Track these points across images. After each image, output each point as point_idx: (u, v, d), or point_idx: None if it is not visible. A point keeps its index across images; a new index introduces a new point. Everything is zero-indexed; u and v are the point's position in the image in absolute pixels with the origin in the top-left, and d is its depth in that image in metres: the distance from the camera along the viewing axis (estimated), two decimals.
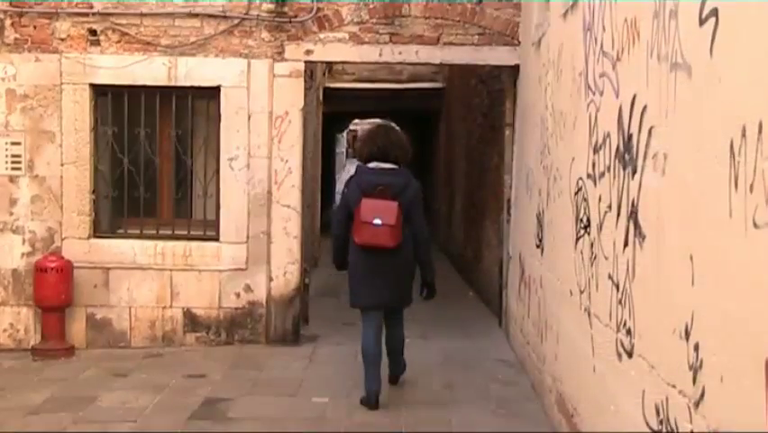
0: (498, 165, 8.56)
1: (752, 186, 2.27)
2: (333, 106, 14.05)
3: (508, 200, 7.69)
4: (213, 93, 7.29)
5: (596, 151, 4.29)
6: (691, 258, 2.76)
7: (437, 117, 15.63)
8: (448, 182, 13.63)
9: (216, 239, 7.35)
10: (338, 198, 8.82)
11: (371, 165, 5.84)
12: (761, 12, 2.27)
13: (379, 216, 5.62)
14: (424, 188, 6.27)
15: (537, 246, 6.14)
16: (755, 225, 2.25)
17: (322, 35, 7.29)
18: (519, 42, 7.25)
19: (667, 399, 2.95)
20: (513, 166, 7.60)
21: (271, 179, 7.35)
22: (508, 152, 7.73)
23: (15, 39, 7.24)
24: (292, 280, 7.42)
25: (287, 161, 7.35)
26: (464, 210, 11.60)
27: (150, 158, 7.49)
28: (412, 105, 15.47)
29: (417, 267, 5.95)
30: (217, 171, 7.36)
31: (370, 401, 5.67)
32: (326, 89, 13.20)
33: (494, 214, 8.78)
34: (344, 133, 38.24)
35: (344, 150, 44.99)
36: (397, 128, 6.22)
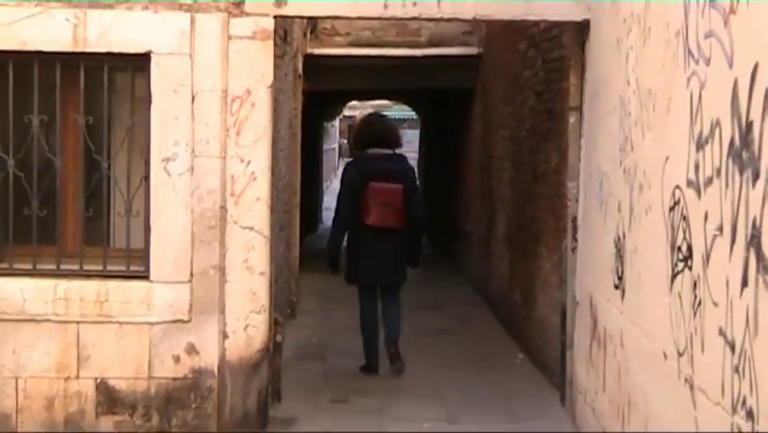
0: (558, 168, 8.60)
1: None
2: (318, 83, 14.18)
3: (574, 219, 7.76)
4: (140, 63, 7.30)
5: (700, 146, 4.31)
6: None
7: (469, 98, 15.67)
8: (486, 193, 13.68)
9: (145, 277, 7.36)
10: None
11: (371, 152, 9.10)
12: None
13: (387, 198, 8.85)
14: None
15: (616, 287, 6.16)
16: None
17: None
18: None
19: None
20: (580, 169, 7.67)
21: (226, 188, 7.36)
22: (574, 150, 7.78)
23: None
24: (257, 336, 7.43)
25: (249, 162, 7.36)
26: (510, 234, 11.66)
27: (48, 158, 7.49)
28: (433, 81, 15.54)
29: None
30: (146, 178, 7.37)
31: (370, 370, 9.05)
32: (309, 58, 13.29)
33: (553, 239, 8.82)
34: (336, 122, 38.26)
35: (336, 145, 44.95)
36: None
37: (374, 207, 8.87)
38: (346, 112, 35.43)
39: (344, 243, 9.38)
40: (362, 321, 9.20)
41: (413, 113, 33.24)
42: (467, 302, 13.24)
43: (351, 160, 9.78)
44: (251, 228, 7.40)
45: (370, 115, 10.15)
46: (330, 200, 26.04)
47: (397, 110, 46.42)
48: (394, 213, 8.91)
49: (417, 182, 9.60)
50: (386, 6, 7.34)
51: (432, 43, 14.44)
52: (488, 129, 13.87)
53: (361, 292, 9.26)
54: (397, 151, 9.52)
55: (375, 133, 9.31)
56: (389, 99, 32.74)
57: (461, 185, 16.73)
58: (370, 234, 8.93)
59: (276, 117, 8.01)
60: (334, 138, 42.05)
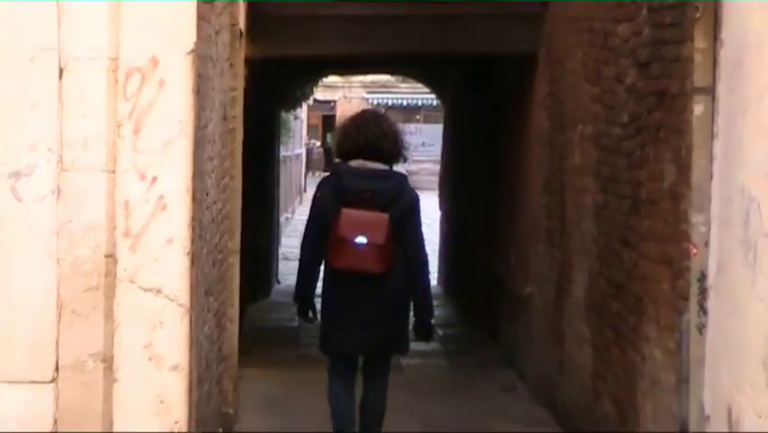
0: (676, 190, 8.87)
1: None
2: (272, 46, 14.77)
3: (702, 278, 8.03)
4: None
5: None
6: None
7: (527, 72, 16.04)
8: (554, 232, 14.00)
9: None
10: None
11: (354, 164, 10.15)
12: None
13: (363, 232, 9.81)
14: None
15: None
16: None
17: None
18: None
19: None
20: (713, 192, 7.91)
21: (117, 224, 7.49)
22: (701, 159, 8.04)
23: None
24: None
25: (154, 179, 7.49)
26: (595, 301, 11.88)
27: None
28: (466, 43, 15.95)
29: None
30: None
31: None
32: (257, 5, 13.62)
33: (667, 311, 9.05)
34: (302, 111, 38.41)
35: (303, 149, 45.49)
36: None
37: (343, 245, 9.89)
38: (320, 94, 35.65)
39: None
40: (332, 407, 10.33)
41: (431, 96, 33.48)
42: (523, 419, 13.38)
43: (328, 174, 11.06)
44: (159, 291, 7.53)
45: (364, 111, 11.21)
46: (291, 243, 26.33)
47: (406, 91, 47.06)
48: (372, 253, 9.84)
49: (420, 215, 10.41)
50: None
51: None
52: (558, 123, 14.10)
53: (330, 365, 10.43)
54: (398, 167, 10.61)
55: (364, 136, 10.25)
56: (392, 73, 33.04)
57: (513, 217, 17.14)
58: (343, 282, 10.08)
59: (201, 104, 8.02)
60: (300, 138, 42.02)
